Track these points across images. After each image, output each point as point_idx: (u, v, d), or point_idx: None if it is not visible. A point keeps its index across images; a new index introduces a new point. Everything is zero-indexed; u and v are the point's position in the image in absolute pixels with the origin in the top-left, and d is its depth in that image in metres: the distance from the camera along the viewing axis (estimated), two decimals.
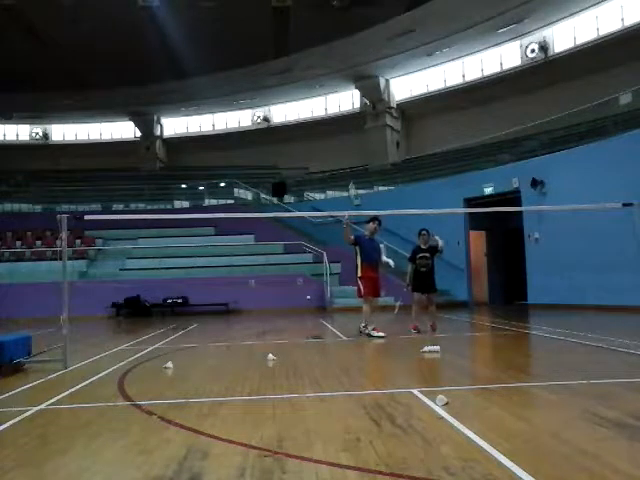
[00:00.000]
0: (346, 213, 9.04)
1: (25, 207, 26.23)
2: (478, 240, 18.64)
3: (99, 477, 2.72)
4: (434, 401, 3.88)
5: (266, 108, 31.80)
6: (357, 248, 9.06)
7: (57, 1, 23.70)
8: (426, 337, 8.34)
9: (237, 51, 25.86)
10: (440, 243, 9.30)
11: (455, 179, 18.55)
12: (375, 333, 8.74)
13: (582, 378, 4.71)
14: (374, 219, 9.19)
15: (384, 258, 9.26)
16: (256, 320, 14.29)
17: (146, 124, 32.82)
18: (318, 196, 24.63)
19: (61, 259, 6.36)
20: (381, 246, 9.38)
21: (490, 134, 21.35)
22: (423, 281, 9.31)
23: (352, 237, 9.00)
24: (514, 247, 17.41)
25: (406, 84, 27.96)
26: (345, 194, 23.18)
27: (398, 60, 25.67)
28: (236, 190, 26.14)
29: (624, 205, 7.22)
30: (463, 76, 26.05)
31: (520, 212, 16.06)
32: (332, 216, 19.60)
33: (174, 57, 26.55)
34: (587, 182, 14.05)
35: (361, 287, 9.00)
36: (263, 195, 25.72)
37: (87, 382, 5.32)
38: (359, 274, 9.00)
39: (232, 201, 25.37)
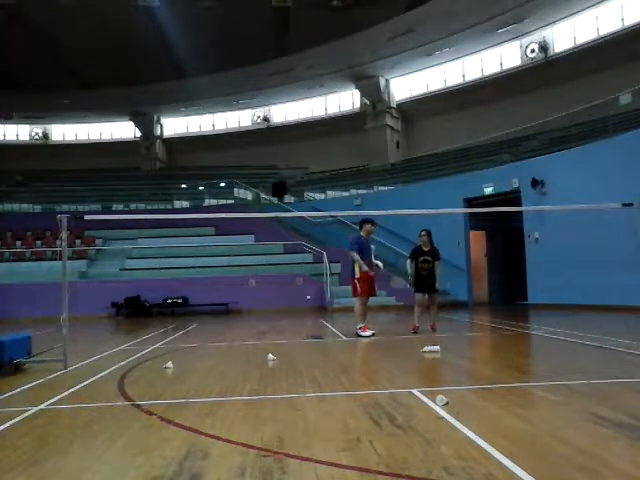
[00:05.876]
0: (354, 255, 8.98)
1: (25, 207, 26.23)
2: (478, 240, 18.64)
3: (99, 477, 2.72)
4: (434, 401, 3.88)
5: (266, 108, 31.81)
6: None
7: (57, 1, 23.69)
8: (426, 337, 8.34)
9: (237, 51, 25.87)
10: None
11: (455, 179, 18.55)
12: (362, 332, 8.79)
13: (582, 378, 4.71)
14: (372, 222, 9.21)
15: (373, 260, 9.30)
16: (256, 320, 14.28)
17: (146, 124, 32.84)
18: (318, 196, 24.63)
19: (61, 259, 6.36)
20: (372, 247, 9.41)
21: (490, 134, 21.36)
22: (424, 282, 9.28)
23: (355, 253, 8.97)
24: (514, 247, 17.40)
25: (406, 84, 27.98)
26: (345, 194, 23.19)
27: (398, 60, 25.68)
28: (236, 190, 26.14)
29: (624, 205, 7.22)
30: (463, 76, 26.06)
31: (520, 212, 16.05)
32: (332, 216, 19.61)
33: (174, 57, 26.55)
34: (587, 182, 14.04)
35: (358, 287, 9.01)
36: (263, 195, 25.72)
37: (87, 382, 5.32)
38: (357, 275, 9.00)
39: (232, 201, 25.37)
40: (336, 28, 23.98)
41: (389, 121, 27.94)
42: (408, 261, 9.48)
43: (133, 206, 25.49)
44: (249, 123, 32.49)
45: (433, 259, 9.25)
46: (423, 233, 9.34)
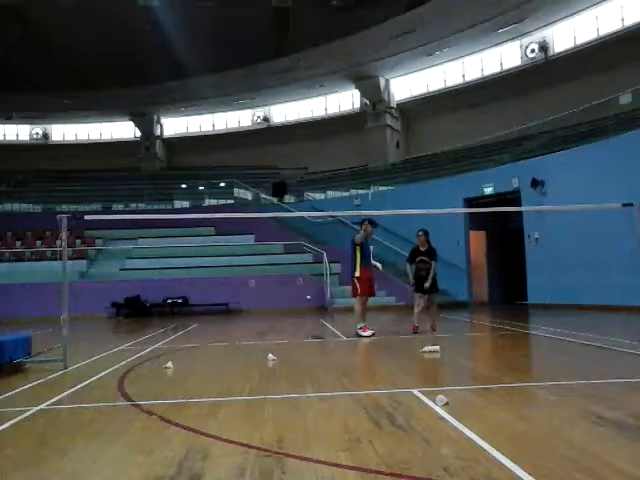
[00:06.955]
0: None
1: (25, 207, 26.22)
2: (478, 240, 18.63)
3: (99, 477, 2.72)
4: (434, 401, 3.88)
5: (266, 108, 31.81)
6: (359, 248, 9.08)
7: (57, 1, 23.71)
8: (426, 337, 8.34)
9: (237, 51, 25.90)
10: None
11: (455, 179, 18.55)
12: (362, 332, 8.79)
13: (582, 378, 4.72)
14: (373, 223, 9.21)
15: (372, 261, 9.31)
16: (256, 320, 14.29)
17: (146, 124, 32.83)
18: (318, 196, 24.62)
19: (61, 259, 6.36)
20: (371, 247, 9.42)
21: (490, 134, 21.35)
22: (423, 282, 9.27)
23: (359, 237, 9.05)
24: (514, 247, 17.40)
25: (406, 84, 27.97)
26: (345, 194, 23.19)
27: (398, 60, 25.68)
28: (236, 190, 26.13)
29: (624, 205, 7.21)
30: (463, 76, 26.05)
31: (520, 212, 16.05)
32: (332, 216, 19.60)
33: (174, 57, 26.59)
34: (587, 182, 14.05)
35: (358, 287, 9.02)
36: (263, 195, 25.72)
37: (87, 382, 5.32)
38: (357, 274, 9.00)
39: (232, 201, 25.37)
40: (336, 28, 24.01)
41: (389, 121, 27.93)
42: (407, 264, 9.49)
43: (133, 206, 25.48)
44: (249, 123, 32.48)
45: (430, 259, 9.24)
46: (420, 233, 9.33)
